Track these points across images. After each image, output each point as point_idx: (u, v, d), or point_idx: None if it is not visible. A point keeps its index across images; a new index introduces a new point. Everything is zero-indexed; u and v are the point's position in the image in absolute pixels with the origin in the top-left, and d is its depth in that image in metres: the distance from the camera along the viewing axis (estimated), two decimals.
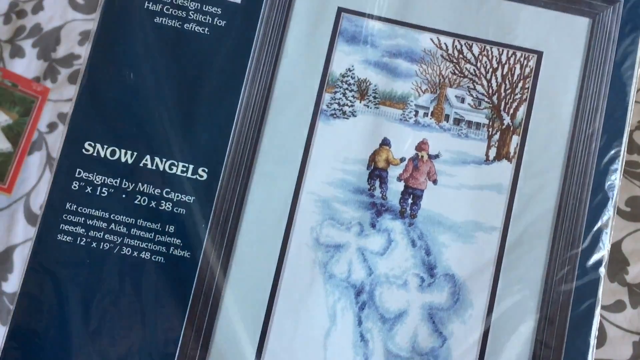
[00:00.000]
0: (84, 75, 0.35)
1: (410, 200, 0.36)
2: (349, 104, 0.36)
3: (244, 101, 0.35)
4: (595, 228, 0.35)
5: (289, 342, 0.34)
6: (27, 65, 0.71)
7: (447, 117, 0.36)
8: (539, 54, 0.37)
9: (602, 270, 0.35)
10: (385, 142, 0.36)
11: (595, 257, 0.35)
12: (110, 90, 0.34)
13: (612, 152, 0.35)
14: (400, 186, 0.36)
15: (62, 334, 0.33)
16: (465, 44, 0.37)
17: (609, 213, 0.35)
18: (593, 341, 0.34)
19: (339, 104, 0.36)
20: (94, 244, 0.34)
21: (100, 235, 0.34)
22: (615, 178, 0.35)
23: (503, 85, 0.36)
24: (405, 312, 0.35)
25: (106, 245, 0.34)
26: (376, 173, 0.36)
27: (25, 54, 0.73)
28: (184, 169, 0.35)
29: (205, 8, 0.36)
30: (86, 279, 0.34)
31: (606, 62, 0.36)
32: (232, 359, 0.34)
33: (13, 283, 0.74)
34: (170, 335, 0.34)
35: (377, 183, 0.36)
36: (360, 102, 0.36)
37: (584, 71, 0.36)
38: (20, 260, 0.67)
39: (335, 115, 0.36)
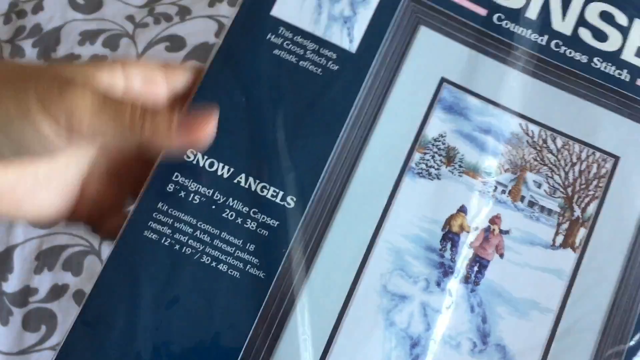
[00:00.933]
0: (202, 84, 0.37)
1: (476, 268, 0.38)
2: (436, 166, 0.38)
3: (342, 143, 0.38)
4: None
5: None
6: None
7: (522, 198, 0.39)
8: (616, 158, 0.39)
9: None
10: (462, 209, 0.38)
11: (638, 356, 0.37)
12: (221, 107, 0.36)
13: None
14: (470, 253, 0.38)
15: (130, 324, 0.34)
16: (550, 135, 0.39)
17: None
18: None
19: (426, 164, 0.38)
20: (177, 247, 0.36)
21: (184, 239, 0.36)
22: None
23: (579, 180, 0.39)
24: None
25: (188, 250, 0.36)
26: (449, 236, 0.38)
27: (26, 54, 0.74)
28: (274, 193, 0.37)
29: (322, 50, 0.38)
30: (163, 278, 0.35)
31: None
32: None
33: (13, 283, 0.73)
34: (232, 347, 0.35)
35: (449, 245, 0.38)
36: (446, 167, 0.38)
37: None
38: (20, 260, 0.66)
39: (421, 175, 0.38)
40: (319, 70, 0.38)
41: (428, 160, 0.38)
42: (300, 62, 0.38)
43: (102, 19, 0.82)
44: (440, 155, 0.39)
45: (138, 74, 0.36)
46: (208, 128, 0.33)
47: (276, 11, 0.38)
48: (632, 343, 0.37)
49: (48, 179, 0.36)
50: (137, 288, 0.35)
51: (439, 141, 0.39)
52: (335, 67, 0.38)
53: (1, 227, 0.63)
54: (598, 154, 0.39)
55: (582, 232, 0.38)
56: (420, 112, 0.39)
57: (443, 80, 0.39)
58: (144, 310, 0.35)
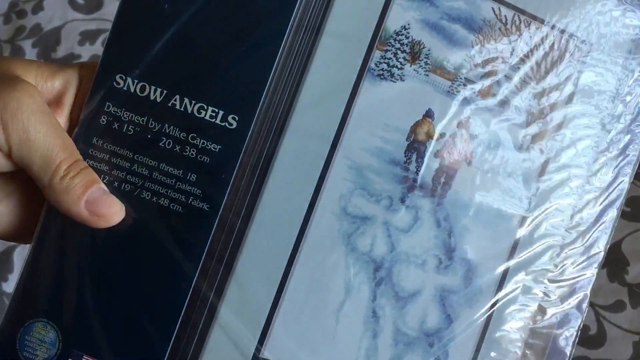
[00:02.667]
0: (120, 4, 0.30)
1: (443, 179, 0.34)
2: (399, 65, 0.33)
3: (286, 48, 0.31)
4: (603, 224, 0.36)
5: (301, 307, 0.33)
6: None
7: (493, 96, 0.34)
8: (590, 45, 0.35)
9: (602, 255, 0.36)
10: (429, 114, 0.34)
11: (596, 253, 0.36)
12: (144, 21, 0.30)
13: (630, 155, 0.36)
14: (436, 163, 0.34)
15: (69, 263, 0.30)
16: (524, 20, 0.34)
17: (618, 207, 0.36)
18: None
19: (388, 64, 0.33)
20: (116, 184, 0.31)
21: (122, 175, 0.31)
22: (627, 178, 0.36)
23: (552, 72, 0.35)
24: (419, 292, 0.34)
25: (127, 187, 0.31)
26: (415, 145, 0.34)
27: (26, 54, 0.74)
28: (213, 114, 0.31)
29: None
30: None
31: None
32: (243, 319, 0.32)
33: (13, 283, 0.72)
34: (182, 285, 0.31)
35: (414, 156, 0.34)
36: (411, 66, 0.33)
37: (627, 66, 0.35)
38: (20, 260, 0.66)
39: (382, 76, 0.33)
40: None
41: (390, 58, 0.33)
42: None
43: (102, 19, 0.82)
44: (403, 52, 0.33)
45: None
46: (113, 218, 0.31)
47: None
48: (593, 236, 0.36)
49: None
50: (75, 230, 0.30)
51: (402, 35, 0.33)
52: None
53: None
54: (572, 41, 0.35)
55: (551, 133, 0.35)
56: (379, 1, 0.33)
57: None
58: (85, 251, 0.30)
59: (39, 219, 0.32)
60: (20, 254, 0.65)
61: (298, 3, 0.31)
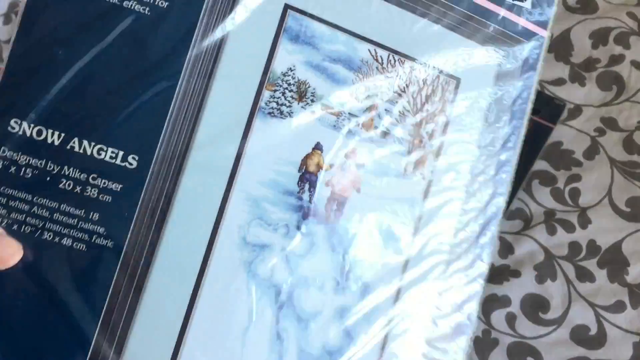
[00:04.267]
0: (11, 49, 0.31)
1: (335, 207, 0.37)
2: (287, 104, 0.36)
3: (182, 89, 0.34)
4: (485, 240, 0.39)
5: (208, 336, 0.34)
6: None
7: (375, 128, 0.38)
8: (458, 80, 0.39)
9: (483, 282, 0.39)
10: (318, 147, 0.37)
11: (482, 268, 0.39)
12: (38, 66, 0.31)
13: (504, 175, 0.40)
14: (327, 192, 0.37)
15: None
16: (399, 59, 0.38)
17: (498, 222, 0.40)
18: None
19: (277, 103, 0.36)
20: (15, 227, 0.31)
21: (22, 217, 0.31)
22: (504, 192, 0.40)
23: (426, 105, 0.39)
24: (320, 313, 0.37)
25: (27, 229, 0.31)
26: (306, 176, 0.36)
27: None
28: (113, 154, 0.33)
29: None
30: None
31: (509, 92, 0.40)
32: (152, 348, 0.33)
33: None
34: (86, 325, 0.32)
35: (307, 186, 0.36)
36: (299, 104, 0.36)
37: (491, 98, 0.40)
38: None
39: (272, 114, 0.36)
40: (146, 9, 0.33)
41: (279, 97, 0.36)
42: (124, 2, 0.33)
43: None
44: (290, 91, 0.36)
45: None
46: (9, 260, 0.32)
47: None
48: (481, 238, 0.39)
49: None
50: None
51: (288, 75, 0.36)
52: (165, 4, 0.33)
53: None
54: (443, 76, 0.39)
55: (430, 159, 0.39)
56: (266, 45, 0.36)
57: (287, 6, 0.36)
58: None
59: None
60: None
61: (190, 48, 0.34)
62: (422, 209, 0.39)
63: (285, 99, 0.36)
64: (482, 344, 0.60)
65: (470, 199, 0.40)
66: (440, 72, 0.39)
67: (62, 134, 0.32)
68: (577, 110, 0.67)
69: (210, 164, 0.34)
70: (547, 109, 0.66)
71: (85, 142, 0.32)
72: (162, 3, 0.33)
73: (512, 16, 0.40)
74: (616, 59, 0.69)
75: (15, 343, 0.32)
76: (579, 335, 0.60)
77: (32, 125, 0.32)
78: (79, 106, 0.32)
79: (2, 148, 0.32)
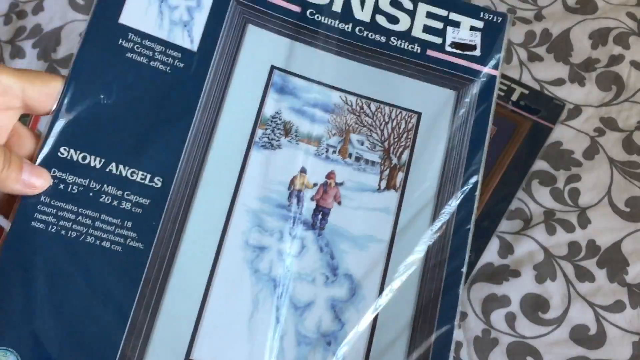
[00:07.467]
0: (65, 91, 0.42)
1: (320, 216, 0.46)
2: (276, 139, 0.46)
3: (194, 129, 0.45)
4: (459, 242, 0.46)
5: (220, 321, 0.42)
6: (27, 66, 0.72)
7: (350, 155, 0.47)
8: (419, 114, 0.49)
9: (464, 270, 0.46)
10: (302, 170, 0.46)
11: (457, 261, 0.46)
12: (86, 107, 0.42)
13: (471, 186, 0.48)
14: (313, 205, 0.46)
15: (26, 304, 0.39)
16: (365, 102, 0.48)
17: (469, 225, 0.47)
18: (457, 318, 0.45)
19: (268, 138, 0.46)
20: (63, 232, 0.41)
21: (69, 225, 0.41)
22: (473, 198, 0.47)
23: (392, 135, 0.48)
24: (313, 302, 0.44)
25: (73, 234, 0.41)
26: (295, 193, 0.46)
27: (26, 55, 0.74)
28: (143, 177, 0.43)
29: (168, 51, 0.45)
30: (54, 260, 0.40)
31: (468, 120, 0.49)
32: (175, 328, 0.41)
33: None
34: (123, 308, 0.41)
35: (295, 201, 0.46)
36: (285, 138, 0.46)
37: (452, 127, 0.49)
38: None
39: (265, 147, 0.46)
40: (168, 68, 0.45)
41: (269, 134, 0.46)
42: (151, 62, 0.45)
43: None
44: (278, 129, 0.47)
45: None
46: (45, 183, 0.41)
47: (124, 19, 0.45)
48: (450, 251, 0.46)
49: None
50: (31, 271, 0.40)
51: (276, 117, 0.47)
52: (181, 65, 0.45)
53: None
54: (404, 112, 0.49)
55: (400, 176, 0.48)
56: (258, 96, 0.47)
57: (273, 67, 0.47)
58: (39, 290, 0.40)
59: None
60: None
61: (201, 97, 0.45)
62: (398, 216, 0.47)
63: (274, 134, 0.46)
64: (482, 344, 0.59)
65: (441, 204, 0.47)
66: (402, 109, 0.49)
67: (103, 159, 0.43)
68: (576, 111, 0.67)
69: (218, 184, 0.44)
70: (546, 109, 0.67)
71: (121, 166, 0.43)
72: (179, 64, 0.45)
73: (464, 62, 0.50)
74: (616, 59, 0.68)
75: (66, 324, 0.40)
76: (579, 335, 0.59)
77: (78, 152, 0.43)
78: (117, 138, 0.43)
79: (53, 169, 0.42)
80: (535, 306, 0.61)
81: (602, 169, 0.65)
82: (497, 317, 0.60)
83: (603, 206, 0.63)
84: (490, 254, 0.64)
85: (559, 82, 0.69)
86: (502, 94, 0.72)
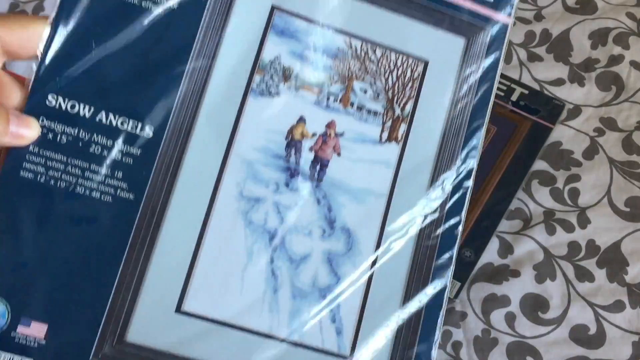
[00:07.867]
0: (49, 36, 0.41)
1: (318, 168, 0.44)
2: (275, 85, 0.44)
3: (189, 74, 0.43)
4: (457, 197, 0.45)
5: (212, 272, 0.42)
6: (27, 66, 0.72)
7: (351, 104, 0.45)
8: (426, 63, 0.46)
9: (460, 230, 0.45)
10: (301, 119, 0.44)
11: (454, 220, 0.45)
12: (74, 54, 0.41)
13: (474, 141, 0.46)
14: (311, 156, 0.44)
15: (17, 247, 0.39)
16: (370, 47, 0.46)
17: (469, 183, 0.45)
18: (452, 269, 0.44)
19: (266, 85, 0.44)
20: (52, 182, 0.40)
21: (58, 175, 0.40)
22: (475, 155, 0.46)
23: (397, 84, 0.46)
24: (309, 255, 0.43)
25: (63, 184, 0.40)
26: (292, 143, 0.44)
27: None
28: (134, 126, 0.42)
29: None
30: (44, 209, 0.40)
31: (477, 71, 0.46)
32: (166, 280, 0.41)
33: None
34: (112, 260, 0.40)
35: (293, 151, 0.44)
36: (284, 85, 0.44)
37: (459, 78, 0.46)
38: None
39: (262, 94, 0.44)
40: (160, 9, 0.43)
41: (267, 80, 0.44)
42: (143, 3, 0.42)
43: None
44: (277, 75, 0.44)
45: None
46: (34, 133, 0.40)
47: None
48: (448, 206, 0.45)
49: None
50: (20, 221, 0.39)
51: (275, 63, 0.44)
52: (175, 6, 0.43)
53: None
54: (411, 59, 0.46)
55: (402, 128, 0.46)
56: (256, 39, 0.44)
57: (274, 7, 0.45)
58: (28, 240, 0.39)
59: None
60: None
61: (196, 40, 0.43)
62: (398, 170, 0.45)
63: (272, 81, 0.44)
64: (482, 344, 0.60)
65: (441, 160, 0.46)
66: (409, 55, 0.46)
67: (92, 108, 0.41)
68: (576, 111, 0.69)
69: (212, 133, 0.43)
70: (546, 109, 0.69)
71: (111, 115, 0.41)
72: (173, 5, 0.43)
73: (477, 7, 0.47)
74: (615, 59, 0.70)
75: (55, 275, 0.40)
76: (578, 335, 0.60)
77: (66, 100, 0.41)
78: (106, 86, 0.41)
79: (41, 117, 0.41)
80: (535, 306, 0.61)
81: (602, 169, 0.66)
82: (497, 317, 0.61)
83: (603, 206, 0.64)
84: (490, 254, 0.65)
85: (559, 82, 0.70)
86: (502, 94, 0.72)
